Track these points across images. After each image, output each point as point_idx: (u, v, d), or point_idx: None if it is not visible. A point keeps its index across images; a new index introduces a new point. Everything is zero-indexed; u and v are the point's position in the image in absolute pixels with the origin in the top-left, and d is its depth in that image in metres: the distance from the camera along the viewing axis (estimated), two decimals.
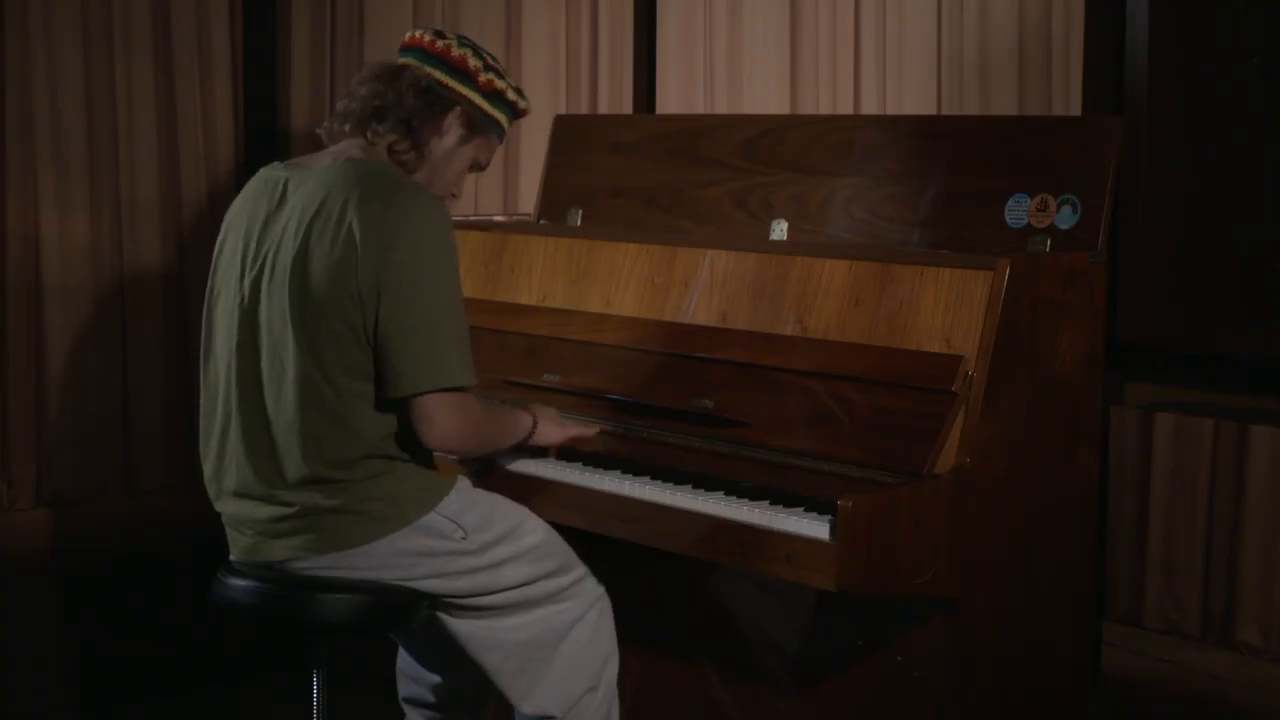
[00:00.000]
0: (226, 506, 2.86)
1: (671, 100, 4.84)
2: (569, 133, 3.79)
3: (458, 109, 2.90)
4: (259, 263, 2.78)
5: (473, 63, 2.89)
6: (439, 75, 2.88)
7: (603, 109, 4.96)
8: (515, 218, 3.88)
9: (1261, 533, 3.62)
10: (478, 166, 2.99)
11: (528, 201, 4.66)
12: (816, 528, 2.63)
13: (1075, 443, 2.95)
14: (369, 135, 2.85)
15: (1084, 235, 2.93)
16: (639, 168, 3.61)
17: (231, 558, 2.89)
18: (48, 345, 4.34)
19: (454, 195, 2.98)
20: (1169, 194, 3.79)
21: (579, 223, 3.68)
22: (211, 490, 2.89)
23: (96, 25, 4.38)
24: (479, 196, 4.85)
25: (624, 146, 3.66)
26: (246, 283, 2.79)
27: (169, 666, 4.20)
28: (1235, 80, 3.69)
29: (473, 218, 3.85)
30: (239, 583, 2.81)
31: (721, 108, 4.75)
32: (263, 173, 2.90)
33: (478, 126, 2.93)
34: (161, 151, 4.50)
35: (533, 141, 4.84)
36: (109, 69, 4.40)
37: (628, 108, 4.94)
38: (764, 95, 4.65)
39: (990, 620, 2.84)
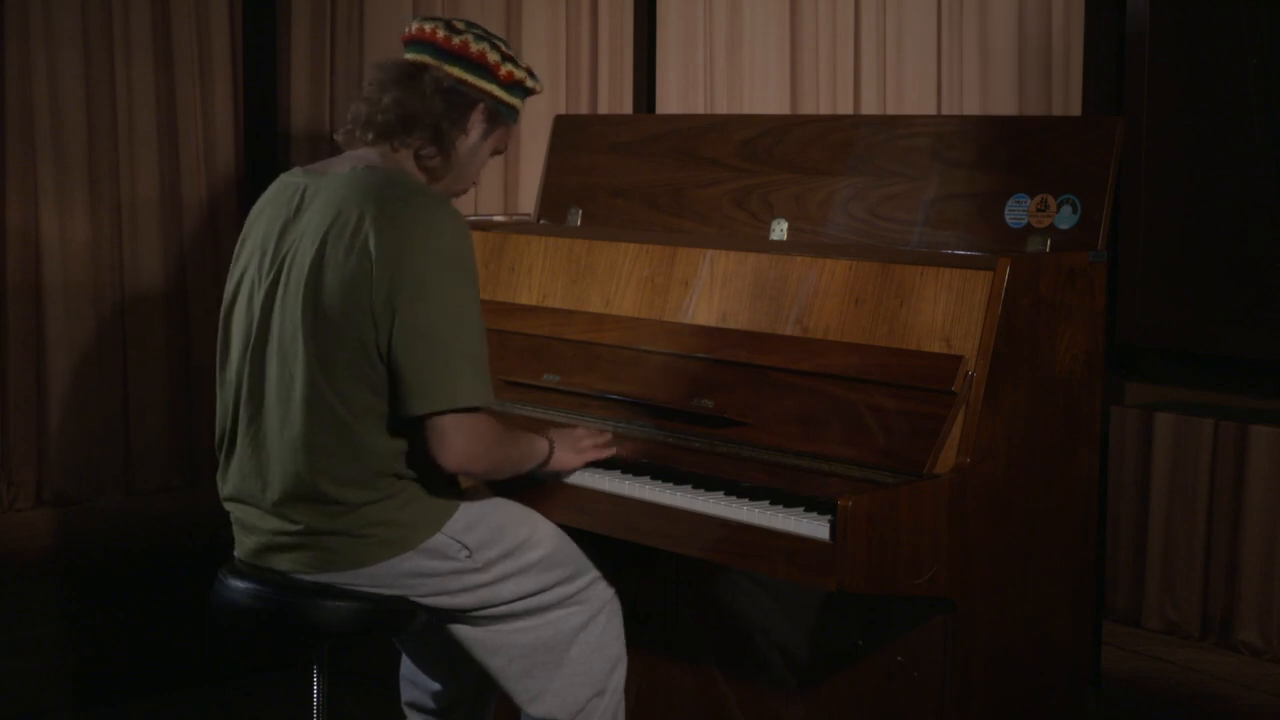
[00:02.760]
0: (233, 509, 2.85)
1: (671, 100, 4.84)
2: (569, 133, 3.79)
3: (481, 105, 2.83)
4: (274, 271, 2.73)
5: (491, 57, 2.82)
6: (459, 73, 2.80)
7: (603, 109, 4.96)
8: (515, 218, 3.88)
9: (1261, 533, 3.61)
10: (497, 153, 2.94)
11: (528, 201, 4.66)
12: (816, 528, 2.63)
13: (1075, 443, 2.95)
14: (395, 144, 2.79)
15: (1084, 235, 2.93)
16: (639, 168, 3.61)
17: (235, 555, 2.89)
18: (48, 345, 4.33)
19: (474, 184, 2.94)
20: (1169, 194, 3.79)
21: (579, 223, 3.68)
22: (220, 490, 2.88)
23: (96, 25, 4.38)
24: (479, 196, 4.85)
25: (624, 146, 3.66)
26: (261, 291, 2.75)
27: (169, 666, 4.19)
28: (1235, 80, 3.69)
29: (473, 218, 3.85)
30: (240, 585, 2.81)
31: (721, 107, 4.75)
32: (283, 178, 2.85)
33: (499, 118, 2.87)
34: (161, 151, 4.50)
35: (533, 141, 4.84)
36: (109, 69, 4.40)
37: (628, 108, 4.94)
38: (764, 94, 4.64)
39: (990, 620, 2.84)
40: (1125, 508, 3.82)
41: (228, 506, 2.86)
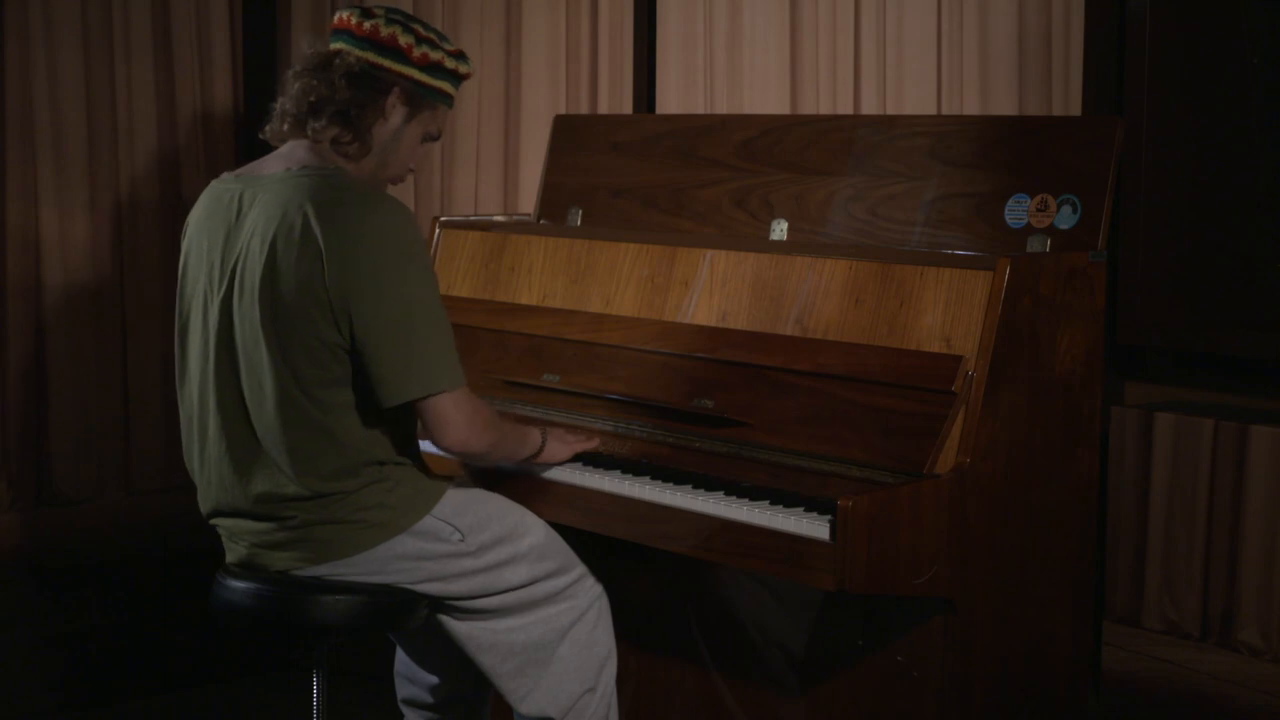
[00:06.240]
0: (220, 523, 2.85)
1: (671, 100, 4.84)
2: (569, 133, 3.79)
3: (396, 89, 2.81)
4: (226, 283, 2.73)
5: (403, 40, 2.79)
6: (371, 57, 2.78)
7: (603, 109, 4.96)
8: (515, 218, 3.87)
9: (1261, 533, 3.62)
10: (430, 139, 2.91)
11: (528, 201, 4.66)
12: (816, 528, 2.63)
13: (1075, 443, 2.95)
14: (310, 132, 2.78)
15: (1084, 235, 2.93)
16: (639, 168, 3.61)
17: (229, 561, 2.89)
18: (48, 345, 4.33)
19: (411, 170, 2.91)
20: (1169, 194, 3.79)
21: (579, 223, 3.68)
22: (203, 507, 2.87)
23: (96, 25, 4.38)
24: (479, 196, 4.85)
25: (624, 146, 3.66)
26: (216, 305, 2.75)
27: (169, 666, 4.20)
28: (1235, 80, 3.69)
29: (473, 218, 3.85)
30: (238, 585, 2.81)
31: (721, 107, 4.75)
32: (215, 186, 2.84)
33: (421, 102, 2.84)
34: (161, 151, 4.50)
35: (533, 141, 4.84)
36: (109, 69, 4.40)
37: (628, 108, 4.94)
38: (764, 94, 4.64)
39: (990, 620, 2.84)
40: (1125, 508, 3.82)
41: (215, 522, 2.86)
